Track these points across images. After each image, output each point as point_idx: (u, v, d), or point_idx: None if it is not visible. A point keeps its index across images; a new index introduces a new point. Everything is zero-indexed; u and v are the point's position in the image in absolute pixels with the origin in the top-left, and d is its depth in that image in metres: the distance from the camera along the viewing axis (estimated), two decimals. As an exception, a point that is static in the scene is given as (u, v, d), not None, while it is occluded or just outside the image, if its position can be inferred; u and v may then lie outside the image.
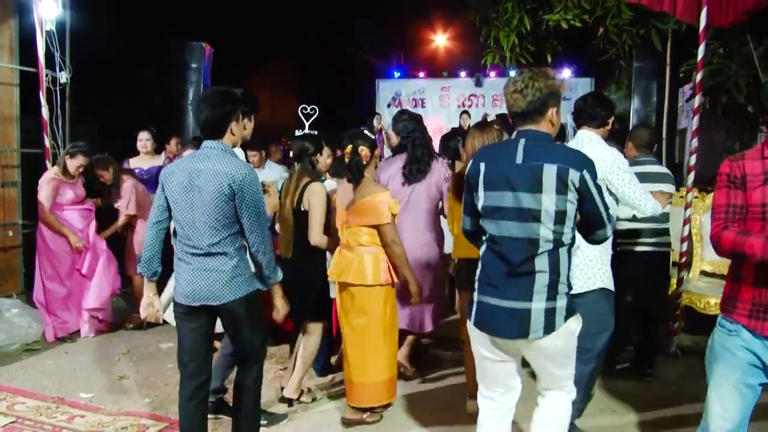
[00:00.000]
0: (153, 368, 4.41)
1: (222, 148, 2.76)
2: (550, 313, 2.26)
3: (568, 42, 7.97)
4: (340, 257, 3.47)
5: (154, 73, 9.09)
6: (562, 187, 2.23)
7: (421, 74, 13.73)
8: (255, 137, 3.33)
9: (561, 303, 2.28)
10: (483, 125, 3.62)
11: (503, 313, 2.30)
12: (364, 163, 3.38)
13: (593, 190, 2.27)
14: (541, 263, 2.27)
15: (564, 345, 2.34)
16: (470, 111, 11.35)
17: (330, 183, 4.08)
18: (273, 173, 6.11)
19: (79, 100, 5.99)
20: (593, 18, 6.73)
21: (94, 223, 5.11)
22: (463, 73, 13.04)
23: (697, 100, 4.72)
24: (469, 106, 12.50)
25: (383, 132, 9.13)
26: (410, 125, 4.14)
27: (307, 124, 5.01)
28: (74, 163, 4.87)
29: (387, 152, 5.13)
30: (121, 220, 5.27)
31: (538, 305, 2.25)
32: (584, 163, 2.27)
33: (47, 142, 5.49)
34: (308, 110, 5.23)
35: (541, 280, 2.26)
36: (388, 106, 13.17)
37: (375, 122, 9.20)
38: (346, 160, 3.41)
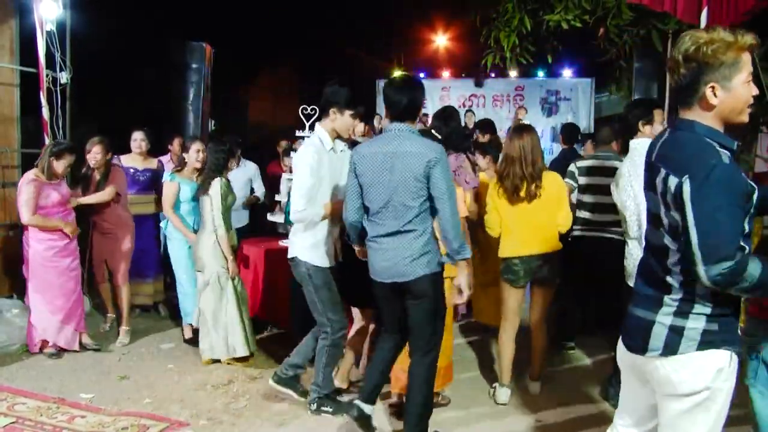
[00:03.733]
0: (153, 368, 4.41)
1: (413, 130, 3.01)
2: (674, 332, 1.86)
3: (569, 42, 7.98)
4: None
5: (154, 73, 9.09)
6: (663, 197, 1.85)
7: (422, 74, 13.73)
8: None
9: (693, 324, 1.84)
10: (521, 128, 3.91)
11: (634, 322, 1.99)
12: None
13: (687, 204, 1.75)
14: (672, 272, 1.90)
15: (692, 382, 1.83)
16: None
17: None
18: (248, 171, 6.18)
19: (79, 100, 5.97)
20: (594, 18, 6.73)
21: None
22: (463, 74, 13.05)
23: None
24: (470, 107, 12.50)
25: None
26: (437, 122, 4.39)
27: (307, 125, 5.01)
28: (63, 164, 4.54)
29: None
30: (101, 195, 4.89)
31: (662, 319, 1.89)
32: (689, 167, 1.77)
33: (48, 142, 5.48)
34: (309, 110, 5.22)
35: (672, 291, 1.89)
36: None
37: (375, 122, 9.22)
38: None
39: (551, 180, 3.79)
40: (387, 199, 2.95)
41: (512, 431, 3.55)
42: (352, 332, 3.93)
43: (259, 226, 6.31)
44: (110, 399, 3.85)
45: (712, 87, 1.80)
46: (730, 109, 1.83)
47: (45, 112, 5.47)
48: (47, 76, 5.48)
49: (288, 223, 4.75)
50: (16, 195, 4.60)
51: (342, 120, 3.45)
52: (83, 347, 4.72)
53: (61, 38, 5.58)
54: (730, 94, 1.80)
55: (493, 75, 12.25)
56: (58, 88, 5.57)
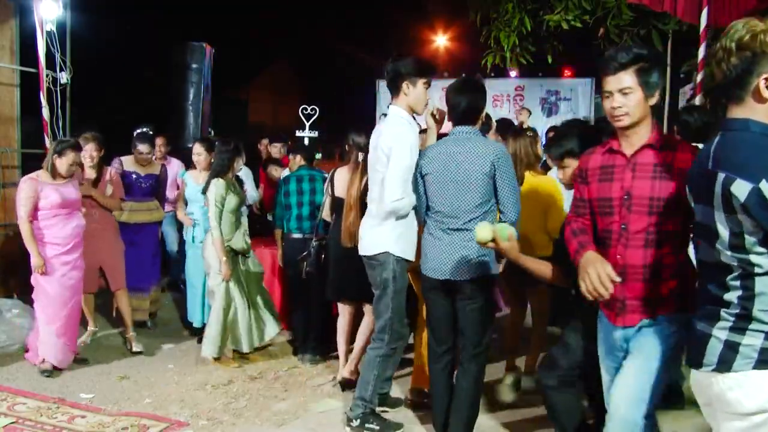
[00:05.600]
0: (153, 369, 4.41)
1: (476, 132, 3.05)
2: (729, 348, 1.72)
3: (569, 42, 7.99)
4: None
5: (154, 73, 9.10)
6: (726, 204, 1.66)
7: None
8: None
9: (750, 341, 1.69)
10: (516, 132, 3.95)
11: (693, 335, 1.88)
12: None
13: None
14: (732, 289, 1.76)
15: (748, 402, 1.68)
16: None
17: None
18: (241, 174, 6.17)
19: (79, 100, 5.98)
20: (594, 19, 6.75)
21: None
22: (463, 74, 13.03)
23: (697, 101, 4.71)
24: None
25: None
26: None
27: (307, 125, 5.03)
28: (65, 162, 4.14)
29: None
30: (112, 202, 4.71)
31: (718, 333, 1.75)
32: (762, 168, 1.59)
33: (48, 142, 5.48)
34: (309, 110, 5.23)
35: (730, 306, 1.75)
36: (389, 106, 13.14)
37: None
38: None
39: (541, 186, 3.72)
40: (451, 199, 2.95)
41: (513, 429, 3.54)
42: (363, 327, 3.92)
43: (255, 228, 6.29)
44: (110, 399, 3.85)
45: (767, 79, 1.65)
46: None
47: (45, 112, 5.47)
48: (47, 76, 5.48)
49: (279, 225, 4.74)
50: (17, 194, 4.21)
51: (415, 92, 3.28)
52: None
53: (61, 38, 5.58)
54: None
55: (493, 75, 12.24)
56: (58, 88, 5.57)
